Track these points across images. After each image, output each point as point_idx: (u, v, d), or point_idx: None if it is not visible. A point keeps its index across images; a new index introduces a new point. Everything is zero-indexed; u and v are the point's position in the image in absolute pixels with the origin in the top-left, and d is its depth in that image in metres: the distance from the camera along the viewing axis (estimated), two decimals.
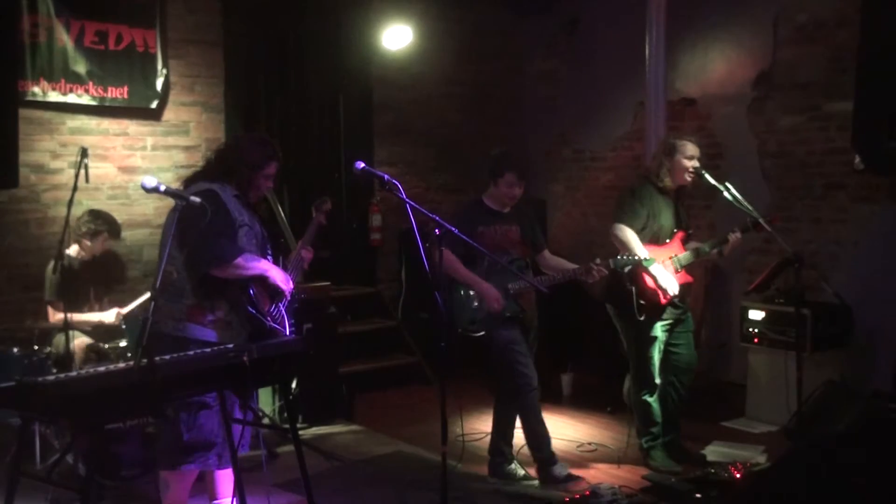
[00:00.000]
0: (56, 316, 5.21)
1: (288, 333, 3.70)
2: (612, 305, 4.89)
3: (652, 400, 4.84)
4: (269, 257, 3.73)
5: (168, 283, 3.45)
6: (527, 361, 4.61)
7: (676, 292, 4.71)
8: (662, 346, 4.82)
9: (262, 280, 3.59)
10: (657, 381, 4.82)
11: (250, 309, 3.56)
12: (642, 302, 4.66)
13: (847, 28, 5.72)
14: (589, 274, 4.49)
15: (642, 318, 4.69)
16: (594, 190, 7.89)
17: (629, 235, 4.67)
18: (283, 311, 3.75)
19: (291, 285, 3.73)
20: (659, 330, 4.77)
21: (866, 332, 5.74)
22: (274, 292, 3.68)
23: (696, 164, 4.74)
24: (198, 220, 3.38)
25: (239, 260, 3.46)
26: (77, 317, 5.10)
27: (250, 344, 3.32)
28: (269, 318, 3.63)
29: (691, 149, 4.75)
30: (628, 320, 4.77)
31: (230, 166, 3.65)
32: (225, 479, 3.81)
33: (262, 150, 3.72)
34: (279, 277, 3.65)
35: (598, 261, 4.50)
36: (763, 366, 5.85)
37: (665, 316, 4.77)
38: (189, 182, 3.70)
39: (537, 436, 4.65)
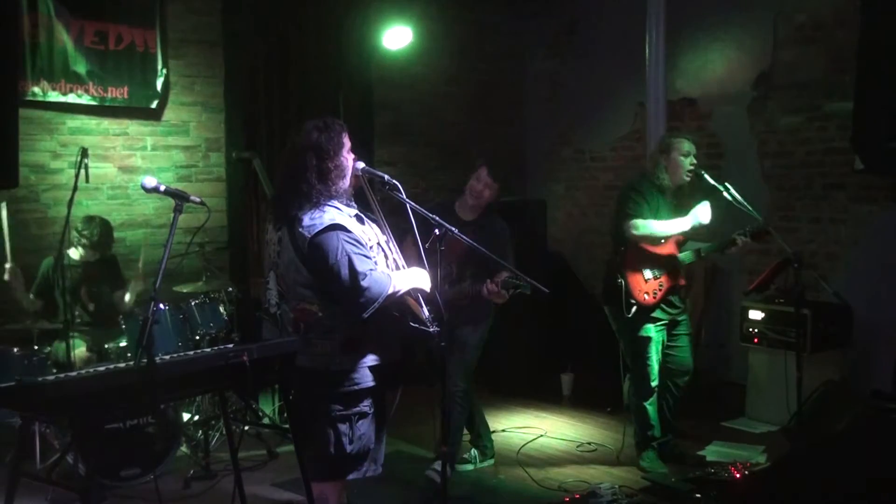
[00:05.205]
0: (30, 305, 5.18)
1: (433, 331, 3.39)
2: (610, 306, 4.86)
3: (648, 404, 4.82)
4: (395, 256, 3.48)
5: (314, 321, 3.28)
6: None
7: (708, 220, 4.56)
8: (660, 348, 4.79)
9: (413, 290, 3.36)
10: (654, 384, 4.78)
11: (412, 323, 3.33)
12: (632, 300, 4.64)
13: (847, 28, 5.71)
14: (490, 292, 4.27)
15: (630, 315, 4.64)
16: (594, 190, 7.88)
17: (651, 225, 4.58)
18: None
19: (429, 280, 3.42)
20: (653, 330, 4.73)
21: (866, 332, 5.74)
22: (422, 295, 3.41)
23: (693, 160, 4.71)
24: (335, 256, 3.13)
25: (391, 286, 3.20)
26: None
27: (251, 344, 3.32)
28: (431, 325, 3.36)
29: (687, 145, 4.71)
30: (623, 321, 4.73)
31: (321, 172, 3.25)
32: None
33: (332, 131, 3.31)
34: (423, 280, 3.39)
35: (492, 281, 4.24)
36: (763, 366, 5.85)
37: (658, 315, 4.74)
38: (293, 207, 3.24)
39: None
